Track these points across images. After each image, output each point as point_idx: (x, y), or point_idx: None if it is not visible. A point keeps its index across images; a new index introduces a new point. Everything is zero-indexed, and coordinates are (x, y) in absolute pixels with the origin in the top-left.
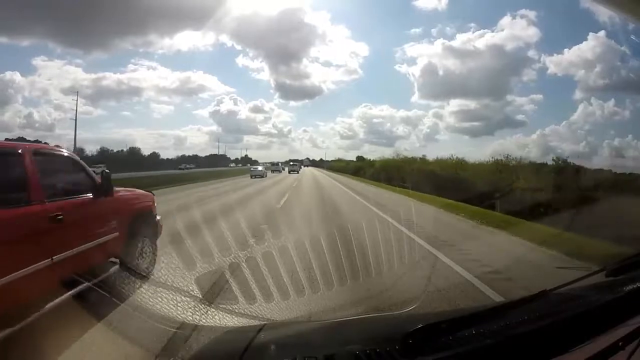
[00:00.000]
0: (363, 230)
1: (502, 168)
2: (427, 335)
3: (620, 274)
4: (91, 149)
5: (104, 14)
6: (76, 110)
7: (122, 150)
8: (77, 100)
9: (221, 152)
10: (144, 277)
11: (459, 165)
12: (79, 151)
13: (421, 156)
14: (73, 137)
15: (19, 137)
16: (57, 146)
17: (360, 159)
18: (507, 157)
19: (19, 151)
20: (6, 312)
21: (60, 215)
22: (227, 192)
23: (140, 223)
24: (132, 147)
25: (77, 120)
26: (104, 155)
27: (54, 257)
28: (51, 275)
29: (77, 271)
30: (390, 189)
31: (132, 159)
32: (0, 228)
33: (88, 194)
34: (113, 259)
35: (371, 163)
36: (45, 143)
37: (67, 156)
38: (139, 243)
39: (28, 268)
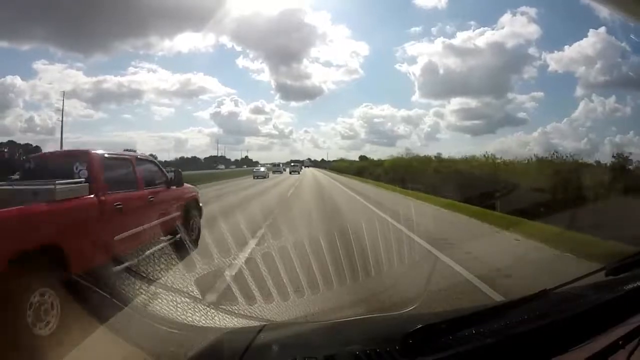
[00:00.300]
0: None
1: (559, 168)
2: (427, 335)
3: (621, 273)
4: None
5: (104, 17)
6: (62, 112)
7: None
8: (63, 101)
9: (220, 154)
10: (195, 244)
11: (497, 164)
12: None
13: (435, 154)
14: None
15: (9, 141)
16: (143, 154)
17: (363, 158)
18: (553, 154)
19: (129, 157)
20: (129, 251)
21: (152, 197)
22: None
23: (191, 207)
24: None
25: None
26: None
27: (147, 223)
28: (147, 233)
29: (158, 234)
30: (411, 195)
31: None
32: (125, 202)
33: (162, 185)
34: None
35: (377, 163)
36: (133, 150)
37: (150, 160)
38: (191, 220)
39: (137, 228)
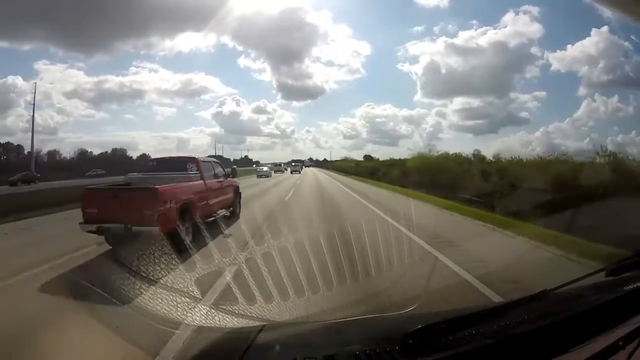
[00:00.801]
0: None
1: None
2: (427, 335)
3: (620, 274)
4: (68, 152)
5: (104, 16)
6: (33, 113)
7: (106, 152)
8: (34, 98)
9: (218, 153)
10: (238, 218)
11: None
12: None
13: (473, 152)
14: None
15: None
16: (215, 159)
17: (368, 158)
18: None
19: (210, 160)
20: (213, 212)
21: (220, 183)
22: None
23: (236, 192)
24: (115, 149)
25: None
26: (85, 157)
27: (220, 197)
28: (220, 202)
29: (223, 206)
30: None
31: (116, 159)
32: (211, 185)
33: (224, 177)
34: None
35: (391, 162)
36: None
37: (218, 162)
38: (236, 201)
39: (216, 200)
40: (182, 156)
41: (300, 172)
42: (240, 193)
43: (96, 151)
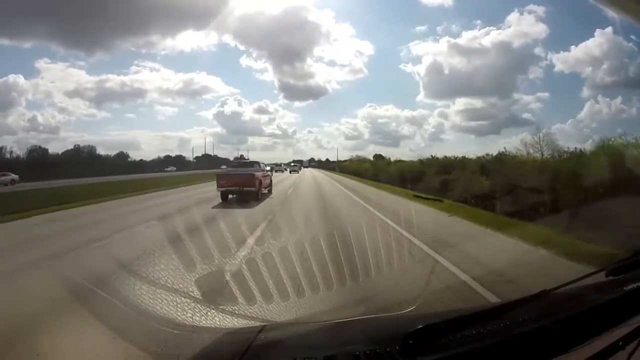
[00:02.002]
0: None
1: None
2: (427, 336)
3: (620, 274)
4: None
5: (104, 13)
6: None
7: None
8: None
9: (217, 154)
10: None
11: None
12: None
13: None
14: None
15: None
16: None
17: (378, 157)
18: None
19: (260, 162)
20: (265, 187)
21: (267, 173)
22: None
23: (271, 180)
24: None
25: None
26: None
27: (266, 181)
28: (266, 183)
29: (267, 185)
30: None
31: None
32: (263, 173)
33: (267, 170)
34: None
35: (448, 162)
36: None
37: (258, 161)
38: (270, 185)
39: (266, 182)
40: (251, 161)
41: (298, 172)
42: (272, 180)
43: (98, 151)
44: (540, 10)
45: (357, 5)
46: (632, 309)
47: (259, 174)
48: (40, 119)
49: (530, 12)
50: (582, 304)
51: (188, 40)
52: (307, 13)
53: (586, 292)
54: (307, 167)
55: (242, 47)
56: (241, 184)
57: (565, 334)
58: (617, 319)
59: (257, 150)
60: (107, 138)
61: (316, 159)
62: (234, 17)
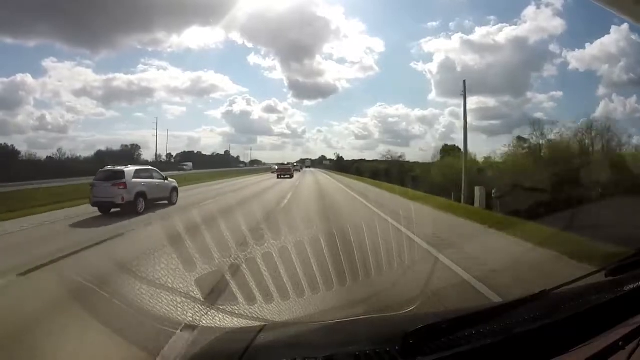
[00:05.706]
0: None
1: None
2: (427, 335)
3: (620, 274)
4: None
5: (105, 9)
6: None
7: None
8: None
9: (223, 153)
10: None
11: None
12: None
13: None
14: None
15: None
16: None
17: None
18: None
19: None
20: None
21: (294, 168)
22: None
23: (295, 169)
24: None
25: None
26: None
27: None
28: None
29: (289, 173)
30: None
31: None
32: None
33: (294, 166)
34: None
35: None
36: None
37: (290, 163)
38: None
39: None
40: (288, 163)
41: (300, 171)
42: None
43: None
44: (558, 3)
45: (367, 0)
46: (632, 309)
47: (288, 165)
48: (48, 117)
49: (547, 5)
50: (582, 304)
51: (194, 37)
52: (316, 8)
53: (586, 292)
54: (309, 166)
55: (250, 45)
56: (288, 171)
57: (565, 334)
58: (617, 319)
59: (267, 150)
60: (116, 137)
61: (327, 157)
62: (241, 13)
